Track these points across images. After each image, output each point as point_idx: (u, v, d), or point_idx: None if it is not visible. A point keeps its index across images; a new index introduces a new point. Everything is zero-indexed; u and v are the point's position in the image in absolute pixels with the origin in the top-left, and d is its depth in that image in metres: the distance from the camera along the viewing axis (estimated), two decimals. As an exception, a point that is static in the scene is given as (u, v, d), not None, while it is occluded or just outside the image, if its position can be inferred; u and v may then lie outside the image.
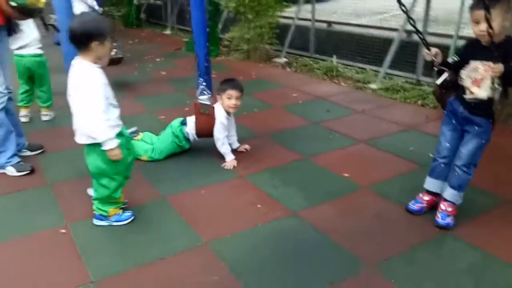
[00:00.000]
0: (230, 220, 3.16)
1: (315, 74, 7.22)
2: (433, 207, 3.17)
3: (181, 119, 4.15)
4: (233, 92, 3.93)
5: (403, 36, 6.59)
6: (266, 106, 5.72)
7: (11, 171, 3.85)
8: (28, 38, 4.85)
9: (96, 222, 3.12)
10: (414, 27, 3.13)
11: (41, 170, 3.96)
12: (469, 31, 6.59)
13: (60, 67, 5.74)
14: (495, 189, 3.53)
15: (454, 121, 3.02)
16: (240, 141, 4.31)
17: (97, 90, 2.73)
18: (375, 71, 6.96)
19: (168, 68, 7.89)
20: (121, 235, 3.01)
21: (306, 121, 5.13)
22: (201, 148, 4.24)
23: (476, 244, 2.86)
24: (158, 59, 8.63)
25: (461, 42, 5.75)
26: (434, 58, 2.97)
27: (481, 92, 2.76)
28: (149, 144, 4.13)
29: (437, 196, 3.19)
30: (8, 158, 3.86)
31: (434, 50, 2.97)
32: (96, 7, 6.40)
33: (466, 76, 2.83)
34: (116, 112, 2.90)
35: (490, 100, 2.76)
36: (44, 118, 5.24)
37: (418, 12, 6.51)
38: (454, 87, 2.96)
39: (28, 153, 4.22)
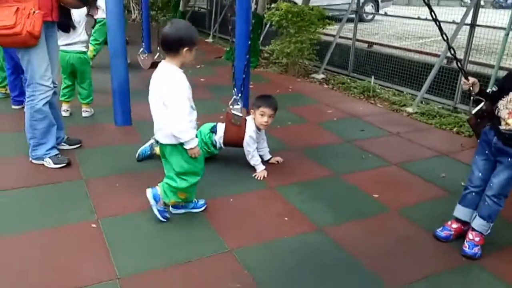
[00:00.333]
0: (257, 230, 3.21)
1: (351, 93, 7.23)
2: (460, 236, 3.15)
3: (211, 125, 4.21)
4: (266, 110, 3.99)
5: (443, 62, 6.55)
6: (300, 120, 5.77)
7: (48, 162, 3.99)
8: (79, 37, 5.07)
9: (174, 210, 3.31)
10: (454, 55, 3.17)
11: (77, 164, 4.09)
12: (511, 63, 6.58)
13: (104, 65, 5.94)
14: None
15: (487, 151, 3.01)
16: (272, 153, 4.37)
17: (183, 93, 2.93)
18: (412, 94, 6.94)
19: (208, 75, 8.03)
20: (150, 234, 3.09)
21: (339, 139, 5.16)
22: (232, 157, 4.31)
23: (502, 277, 2.83)
24: (199, 66, 8.78)
25: (503, 73, 5.71)
26: (471, 88, 3.01)
27: None
28: None
29: (465, 225, 3.17)
30: (47, 150, 4.01)
31: (471, 79, 3.01)
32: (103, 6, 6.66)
33: (504, 107, 2.84)
34: (195, 114, 3.09)
35: None
36: (84, 114, 5.42)
37: (461, 39, 6.49)
38: (490, 118, 2.97)
39: (67, 146, 4.38)
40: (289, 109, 6.07)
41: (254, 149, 4.07)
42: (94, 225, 3.15)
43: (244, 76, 4.21)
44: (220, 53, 10.14)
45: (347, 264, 2.89)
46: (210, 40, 12.35)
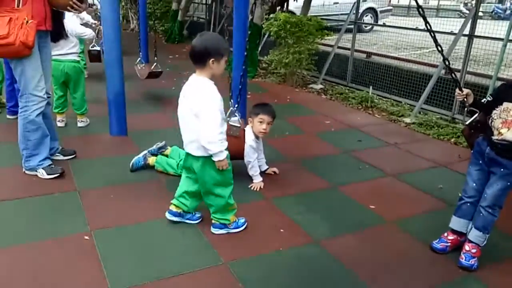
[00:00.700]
0: (252, 242, 3.17)
1: (349, 103, 7.21)
2: (457, 247, 3.13)
3: None
4: (265, 117, 3.96)
5: (441, 72, 6.54)
6: (298, 131, 5.75)
7: (42, 173, 3.95)
8: (74, 47, 5.06)
9: (215, 231, 3.24)
10: (448, 67, 3.19)
11: (71, 175, 4.05)
12: (509, 73, 6.57)
13: (99, 75, 5.93)
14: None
15: (481, 162, 3.00)
16: (269, 163, 4.33)
17: (215, 104, 2.90)
18: (410, 105, 6.92)
19: (205, 85, 7.99)
20: (143, 247, 3.05)
21: (336, 149, 5.13)
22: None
23: (499, 290, 2.80)
24: (196, 76, 8.77)
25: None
26: (465, 99, 3.04)
27: (510, 134, 2.77)
28: (176, 160, 4.20)
29: (462, 236, 3.15)
30: (40, 161, 3.97)
31: (466, 91, 3.04)
32: (91, 21, 6.66)
33: (497, 116, 2.85)
34: (225, 126, 3.07)
35: None
36: (79, 124, 5.38)
37: (460, 50, 6.48)
38: (484, 128, 2.98)
39: (61, 157, 4.34)
40: (287, 119, 6.05)
41: (255, 159, 4.03)
42: (87, 237, 3.10)
43: (240, 87, 4.18)
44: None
45: (343, 276, 2.85)
46: (208, 50, 12.32)
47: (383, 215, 3.66)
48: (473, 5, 6.44)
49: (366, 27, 13.06)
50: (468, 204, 3.09)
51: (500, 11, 19.59)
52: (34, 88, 3.80)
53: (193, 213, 3.37)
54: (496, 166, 2.91)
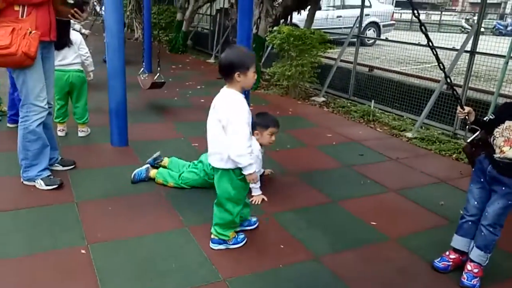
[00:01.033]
0: (251, 259, 3.13)
1: (351, 117, 7.20)
2: (459, 266, 3.09)
3: None
4: (275, 130, 3.96)
5: (443, 87, 6.54)
6: (299, 143, 5.73)
7: (40, 184, 3.92)
8: (79, 58, 5.09)
9: (214, 246, 3.21)
10: (450, 85, 3.19)
11: (70, 186, 4.02)
12: (510, 89, 6.57)
13: (101, 84, 5.93)
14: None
15: (482, 179, 2.98)
16: (270, 177, 4.30)
17: (244, 118, 2.92)
18: (412, 119, 6.91)
19: (208, 96, 7.95)
20: (140, 262, 3.00)
21: (338, 163, 5.11)
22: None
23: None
24: (199, 87, 8.80)
25: (502, 100, 5.70)
26: (466, 117, 3.05)
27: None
28: (175, 172, 4.18)
29: (464, 255, 3.11)
30: (39, 171, 3.95)
31: (467, 109, 3.04)
32: (83, 30, 6.72)
33: (500, 134, 2.83)
34: (254, 139, 3.04)
35: None
36: (80, 134, 5.36)
37: (461, 65, 6.48)
38: (485, 146, 2.97)
39: (60, 167, 4.32)
40: (289, 132, 6.03)
41: (259, 170, 4.00)
42: (83, 251, 3.06)
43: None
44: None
45: (343, 295, 2.82)
46: (212, 60, 12.39)
47: (384, 231, 3.62)
48: (475, 21, 6.45)
49: (368, 41, 13.10)
50: (470, 222, 3.06)
51: (501, 27, 19.68)
52: (35, 98, 3.79)
53: (249, 219, 3.44)
54: (497, 184, 2.89)
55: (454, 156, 5.54)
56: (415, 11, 3.32)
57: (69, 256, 3.00)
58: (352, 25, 8.60)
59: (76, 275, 2.82)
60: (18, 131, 3.91)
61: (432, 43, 3.27)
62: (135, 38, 15.16)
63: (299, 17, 10.77)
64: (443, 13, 28.86)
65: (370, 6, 14.41)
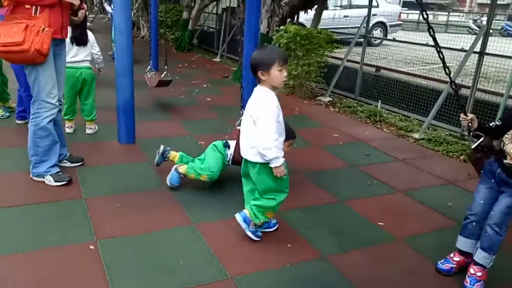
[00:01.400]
0: (258, 257, 3.14)
1: (358, 117, 7.19)
2: (464, 268, 3.07)
3: (222, 141, 4.10)
4: (293, 141, 4.01)
5: (451, 89, 6.51)
6: (305, 143, 5.72)
7: (49, 180, 3.95)
8: (89, 55, 5.14)
9: (239, 219, 3.26)
10: (456, 91, 3.22)
11: (78, 183, 4.04)
12: (520, 91, 6.53)
13: (109, 81, 5.95)
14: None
15: (493, 180, 2.98)
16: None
17: (271, 112, 3.02)
18: (419, 120, 6.90)
19: (214, 94, 8.03)
20: (149, 258, 3.02)
21: (344, 163, 5.10)
22: (237, 179, 4.25)
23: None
24: (205, 85, 8.81)
25: (511, 102, 5.68)
26: (470, 124, 3.08)
27: None
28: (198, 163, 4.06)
29: (469, 257, 3.09)
30: (48, 168, 3.97)
31: (470, 116, 3.07)
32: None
33: (509, 141, 2.82)
34: (283, 134, 3.15)
35: None
36: (88, 131, 5.39)
37: (469, 66, 6.46)
38: (489, 153, 2.97)
39: (68, 164, 4.34)
40: (295, 131, 6.00)
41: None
42: (92, 247, 3.08)
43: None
44: (227, 73, 10.17)
45: (350, 294, 2.82)
46: (217, 59, 12.40)
47: (391, 232, 3.62)
48: (483, 22, 6.42)
49: (375, 41, 13.07)
50: (474, 223, 3.04)
51: (509, 28, 19.58)
52: (47, 95, 3.81)
53: (269, 221, 3.45)
54: (507, 186, 2.88)
55: (461, 157, 5.52)
56: (424, 13, 3.30)
57: (78, 252, 3.02)
58: (359, 25, 8.58)
59: (85, 271, 2.83)
60: (29, 127, 3.93)
61: (439, 47, 3.27)
62: (141, 36, 15.19)
63: (305, 16, 10.76)
64: (451, 13, 28.78)
65: (377, 6, 14.39)
